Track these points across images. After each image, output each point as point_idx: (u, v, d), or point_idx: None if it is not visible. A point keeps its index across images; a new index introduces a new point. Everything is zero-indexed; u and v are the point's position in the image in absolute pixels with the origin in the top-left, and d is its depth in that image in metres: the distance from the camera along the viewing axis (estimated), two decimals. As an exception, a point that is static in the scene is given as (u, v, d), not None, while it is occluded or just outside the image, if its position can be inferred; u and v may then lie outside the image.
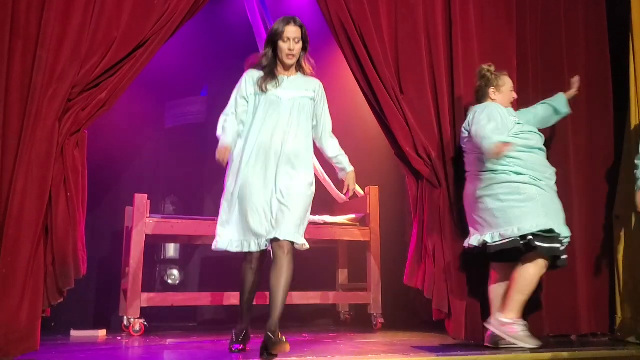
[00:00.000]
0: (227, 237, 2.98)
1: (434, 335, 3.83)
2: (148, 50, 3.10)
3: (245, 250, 2.96)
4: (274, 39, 3.03)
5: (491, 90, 3.46)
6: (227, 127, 3.00)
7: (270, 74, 3.03)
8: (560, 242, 3.22)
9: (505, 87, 3.47)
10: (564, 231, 3.23)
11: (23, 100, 2.84)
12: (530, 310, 3.45)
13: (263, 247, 2.92)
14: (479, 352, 3.03)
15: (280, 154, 2.94)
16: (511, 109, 3.49)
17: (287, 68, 3.08)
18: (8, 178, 2.78)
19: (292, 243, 2.85)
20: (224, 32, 5.40)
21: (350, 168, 3.19)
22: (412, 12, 3.70)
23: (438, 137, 3.63)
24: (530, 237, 3.12)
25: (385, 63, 3.58)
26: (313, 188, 3.03)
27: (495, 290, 3.36)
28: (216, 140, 3.00)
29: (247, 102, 3.05)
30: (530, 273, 3.18)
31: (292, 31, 3.00)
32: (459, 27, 3.74)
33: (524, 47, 3.98)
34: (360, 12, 3.57)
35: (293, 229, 2.85)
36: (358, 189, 4.60)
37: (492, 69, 3.48)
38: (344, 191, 3.28)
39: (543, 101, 3.66)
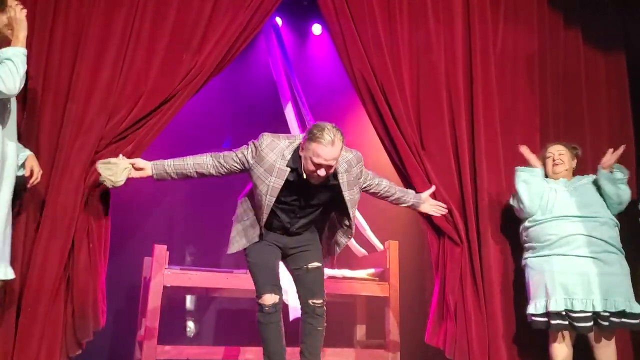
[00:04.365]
0: None
1: (454, 395, 3.71)
2: (175, 104, 3.15)
3: None
4: None
5: None
6: None
7: None
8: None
9: None
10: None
11: (52, 151, 2.90)
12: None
13: None
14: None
15: None
16: None
17: None
18: (34, 227, 2.81)
19: None
20: (247, 85, 5.49)
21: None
22: (433, 68, 3.74)
23: (459, 193, 3.61)
24: None
25: (407, 118, 3.60)
26: None
27: None
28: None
29: None
30: None
31: None
32: (479, 84, 3.77)
33: (545, 106, 4.00)
34: (383, 68, 3.61)
35: None
36: (378, 244, 4.56)
37: None
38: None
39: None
